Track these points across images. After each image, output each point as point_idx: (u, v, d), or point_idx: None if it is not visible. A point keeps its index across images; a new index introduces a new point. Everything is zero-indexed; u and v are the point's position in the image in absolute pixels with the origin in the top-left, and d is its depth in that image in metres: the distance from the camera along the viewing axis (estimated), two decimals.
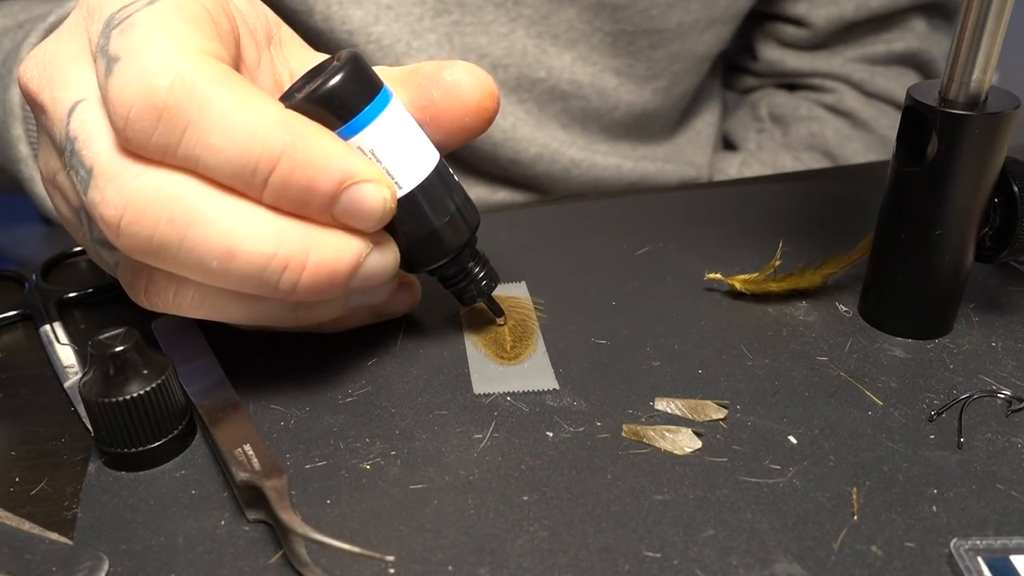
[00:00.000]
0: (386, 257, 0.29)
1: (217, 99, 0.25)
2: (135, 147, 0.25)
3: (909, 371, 0.33)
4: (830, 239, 0.42)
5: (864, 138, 0.62)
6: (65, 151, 0.27)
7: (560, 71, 0.53)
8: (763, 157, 0.63)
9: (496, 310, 0.35)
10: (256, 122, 0.25)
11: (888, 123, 0.62)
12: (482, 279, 0.33)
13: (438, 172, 0.30)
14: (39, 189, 0.47)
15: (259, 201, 0.26)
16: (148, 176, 0.25)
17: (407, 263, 0.31)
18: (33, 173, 0.46)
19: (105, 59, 0.25)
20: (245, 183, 0.26)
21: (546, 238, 0.43)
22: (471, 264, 0.33)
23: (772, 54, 0.64)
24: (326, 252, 0.27)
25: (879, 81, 0.62)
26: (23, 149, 0.46)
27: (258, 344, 0.34)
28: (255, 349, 0.34)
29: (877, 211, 0.34)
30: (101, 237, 0.29)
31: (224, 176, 0.25)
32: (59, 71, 0.27)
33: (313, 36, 0.50)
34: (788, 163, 0.62)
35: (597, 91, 0.55)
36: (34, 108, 0.28)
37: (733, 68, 0.69)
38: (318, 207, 0.27)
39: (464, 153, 0.53)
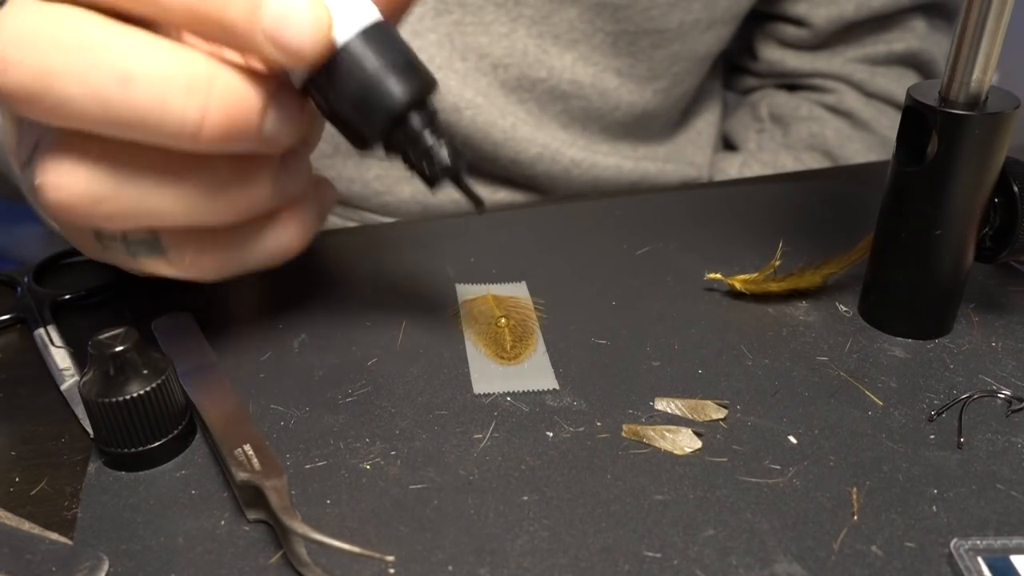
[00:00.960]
0: None
1: None
2: None
3: (909, 371, 0.33)
4: (830, 239, 0.42)
5: (864, 138, 0.62)
6: None
7: (561, 71, 0.53)
8: (763, 157, 0.63)
9: (474, 197, 0.30)
10: None
11: (888, 123, 0.62)
12: (445, 154, 0.28)
13: (380, 25, 0.27)
14: None
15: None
16: (41, 10, 0.24)
17: (353, 132, 0.28)
18: None
19: None
20: (148, 9, 0.24)
21: (546, 238, 0.43)
22: (426, 133, 0.28)
23: (772, 54, 0.64)
24: (233, 79, 0.25)
25: (879, 81, 0.62)
26: None
27: (258, 344, 0.34)
28: (255, 349, 0.34)
29: (877, 211, 0.34)
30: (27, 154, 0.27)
31: (123, 5, 0.24)
32: None
33: None
34: (788, 163, 0.62)
35: (598, 91, 0.55)
36: None
37: (733, 68, 0.69)
38: (241, 38, 0.24)
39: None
